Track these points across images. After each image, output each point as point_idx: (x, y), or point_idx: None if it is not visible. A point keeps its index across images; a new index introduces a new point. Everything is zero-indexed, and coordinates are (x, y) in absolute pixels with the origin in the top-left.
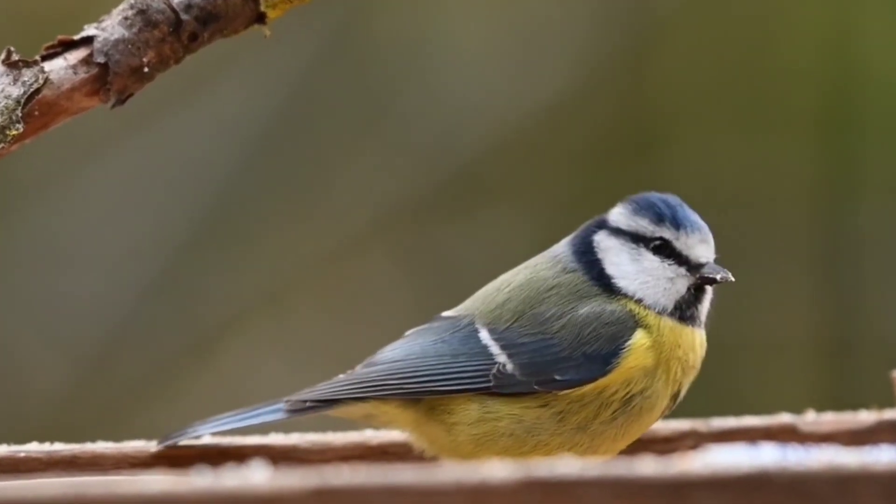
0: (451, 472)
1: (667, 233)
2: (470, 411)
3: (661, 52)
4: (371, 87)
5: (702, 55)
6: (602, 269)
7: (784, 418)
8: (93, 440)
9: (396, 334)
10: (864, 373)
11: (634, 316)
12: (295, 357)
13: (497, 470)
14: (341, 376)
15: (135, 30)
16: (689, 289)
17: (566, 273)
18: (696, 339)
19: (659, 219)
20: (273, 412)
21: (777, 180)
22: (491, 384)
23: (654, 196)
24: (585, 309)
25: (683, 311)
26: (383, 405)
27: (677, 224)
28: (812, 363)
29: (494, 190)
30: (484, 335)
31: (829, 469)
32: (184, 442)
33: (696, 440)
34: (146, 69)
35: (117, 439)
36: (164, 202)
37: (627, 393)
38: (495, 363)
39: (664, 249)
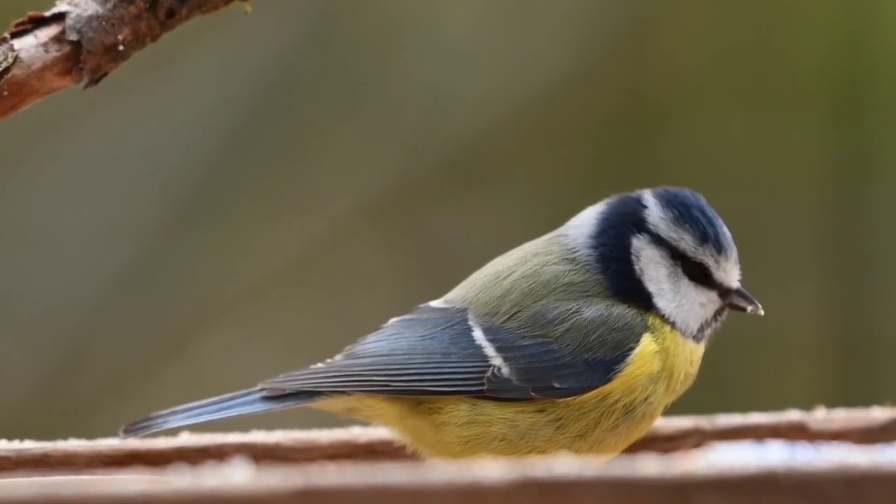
0: (442, 471)
1: (709, 259)
2: (459, 412)
3: (665, 30)
4: (357, 69)
5: (708, 32)
6: (637, 281)
7: (793, 415)
8: (64, 438)
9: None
10: (877, 368)
11: (644, 320)
12: (278, 350)
13: (491, 470)
14: (320, 365)
15: (109, 6)
16: (714, 314)
17: (580, 271)
18: (697, 353)
19: (703, 238)
20: (250, 403)
21: (786, 162)
22: (484, 388)
23: (690, 199)
24: (591, 312)
25: (700, 332)
26: (368, 399)
27: (719, 247)
28: (822, 357)
29: (487, 174)
30: (478, 334)
31: (840, 469)
32: (153, 432)
33: (700, 438)
34: (121, 47)
35: (90, 437)
36: (138, 186)
37: (631, 401)
38: (490, 366)
39: (701, 274)
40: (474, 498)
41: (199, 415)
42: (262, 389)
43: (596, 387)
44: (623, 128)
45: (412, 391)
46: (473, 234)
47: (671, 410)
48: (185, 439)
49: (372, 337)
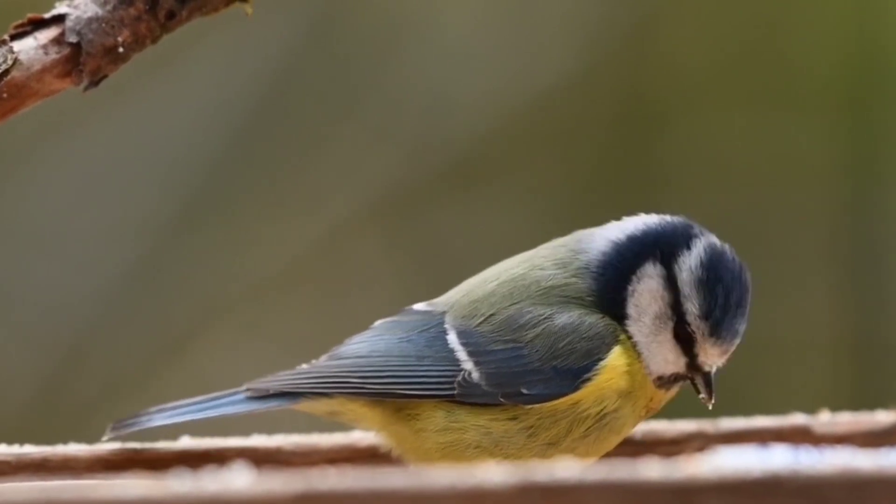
0: (444, 475)
1: (700, 335)
2: (436, 418)
3: (668, 29)
4: (358, 70)
5: (711, 31)
6: (623, 298)
7: (797, 419)
8: (65, 439)
9: None
10: (883, 370)
11: (615, 333)
12: (279, 351)
13: (493, 474)
14: (305, 366)
15: (109, 7)
16: (673, 376)
17: (569, 275)
18: (658, 396)
19: (708, 314)
20: (234, 403)
21: (793, 162)
22: (455, 392)
23: (730, 273)
24: (563, 318)
25: (660, 379)
26: (349, 402)
27: (718, 332)
28: (828, 360)
29: (489, 175)
30: (452, 338)
31: (845, 473)
32: (137, 430)
33: (703, 442)
34: (121, 49)
35: (91, 438)
36: (139, 187)
37: (601, 410)
38: (461, 370)
39: (686, 341)
40: (476, 502)
41: (183, 414)
42: (247, 390)
43: (564, 394)
44: (626, 128)
45: (386, 394)
46: (475, 234)
47: (675, 413)
48: (186, 443)
49: (356, 338)
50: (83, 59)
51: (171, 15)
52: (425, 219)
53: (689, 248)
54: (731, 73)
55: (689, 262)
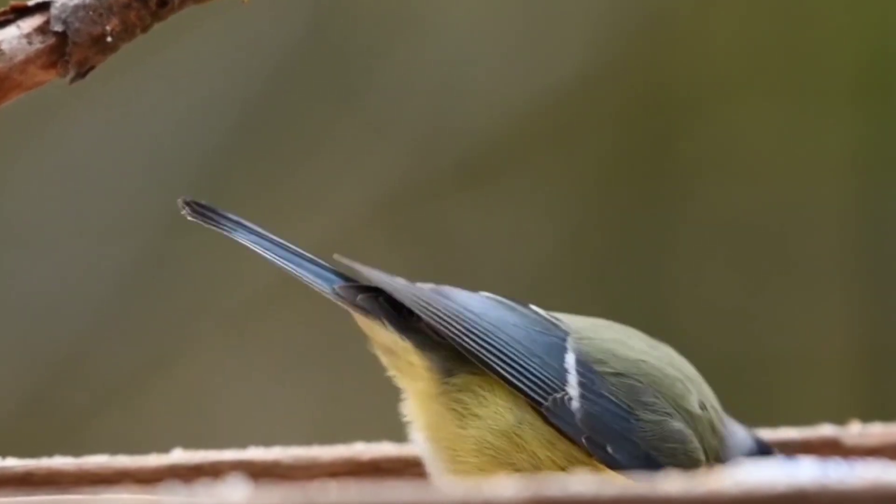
0: (452, 489)
1: None
2: (504, 418)
3: (689, 21)
4: (363, 61)
5: (732, 23)
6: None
7: (825, 430)
8: (49, 455)
9: None
10: None
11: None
12: (279, 361)
13: (503, 487)
14: (402, 280)
15: None
16: None
17: (707, 426)
18: None
19: None
20: (319, 278)
21: (815, 158)
22: (544, 404)
23: None
24: (680, 425)
25: None
26: (415, 355)
27: None
28: (857, 368)
29: (499, 171)
30: (570, 358)
31: (876, 487)
32: (213, 226)
33: None
34: (109, 39)
35: (77, 454)
36: (130, 189)
37: None
38: (564, 391)
39: None
40: None
41: (268, 248)
42: (335, 272)
43: None
44: (640, 123)
45: (478, 357)
46: (486, 233)
47: None
48: (178, 456)
49: (460, 291)
50: (69, 48)
51: (162, 2)
52: (434, 217)
53: None
54: (753, 67)
55: None
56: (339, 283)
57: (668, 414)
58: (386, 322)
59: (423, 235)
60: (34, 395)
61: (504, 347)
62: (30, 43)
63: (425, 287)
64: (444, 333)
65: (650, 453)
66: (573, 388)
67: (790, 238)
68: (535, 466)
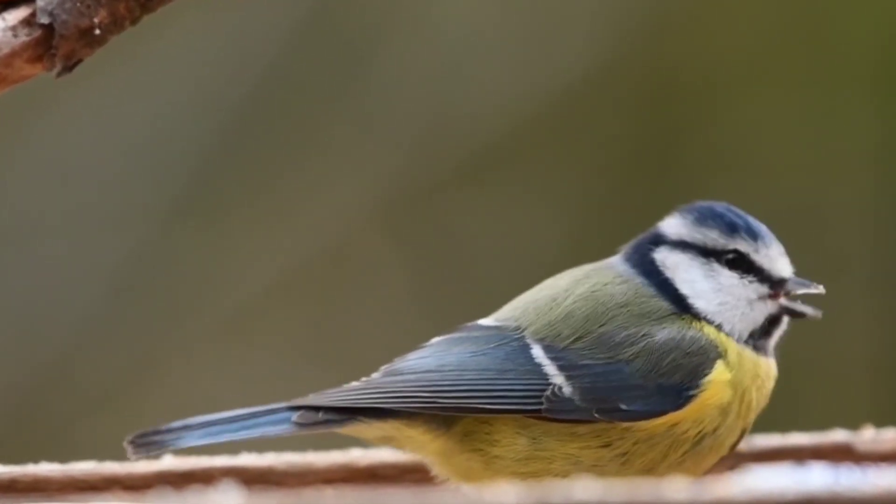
0: (451, 496)
1: (742, 244)
2: (517, 446)
3: (702, 13)
4: (363, 59)
5: (748, 14)
6: (675, 289)
7: (837, 436)
8: (35, 461)
9: (393, 336)
10: None
11: (716, 345)
12: (274, 365)
13: (506, 494)
14: (355, 384)
15: None
16: (766, 318)
17: (636, 291)
18: (770, 371)
19: (731, 229)
20: (277, 423)
21: (831, 149)
22: (542, 407)
23: (716, 205)
24: (662, 334)
25: (756, 339)
26: (408, 428)
27: (753, 234)
28: (871, 372)
29: (503, 170)
30: (537, 352)
31: (889, 495)
32: (164, 450)
33: (735, 460)
34: (97, 31)
35: (63, 460)
36: (124, 188)
37: (700, 431)
38: (550, 384)
39: (741, 264)
40: None
41: (219, 433)
42: (290, 408)
43: (667, 412)
44: (651, 116)
45: (463, 409)
46: (489, 232)
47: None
48: (169, 462)
49: (414, 354)
50: (56, 41)
51: None
52: (434, 216)
53: (659, 224)
54: (767, 59)
55: (674, 222)
56: (294, 415)
57: (644, 335)
58: (363, 419)
59: (423, 234)
60: (18, 399)
61: (475, 383)
62: (15, 36)
63: (375, 375)
64: (415, 410)
65: (659, 382)
66: (557, 377)
67: (806, 237)
68: (576, 463)
